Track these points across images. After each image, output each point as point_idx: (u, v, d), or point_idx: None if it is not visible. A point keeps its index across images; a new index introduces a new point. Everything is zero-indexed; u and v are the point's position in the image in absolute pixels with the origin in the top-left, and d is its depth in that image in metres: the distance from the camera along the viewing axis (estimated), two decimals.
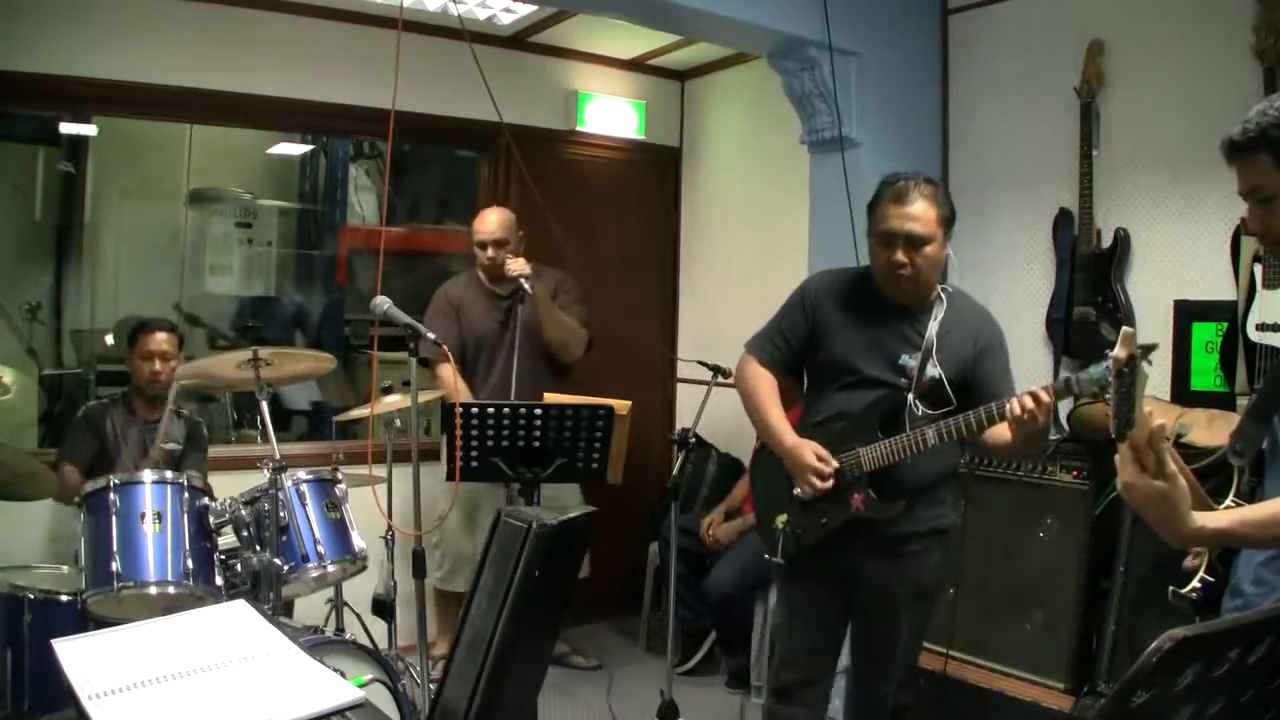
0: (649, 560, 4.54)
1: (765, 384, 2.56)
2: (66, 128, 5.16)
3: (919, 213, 2.38)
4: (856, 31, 3.50)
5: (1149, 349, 2.32)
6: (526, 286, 3.75)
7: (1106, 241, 3.26)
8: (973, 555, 3.26)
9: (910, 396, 2.41)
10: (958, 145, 3.80)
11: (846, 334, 2.49)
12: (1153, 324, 3.17)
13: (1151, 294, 3.19)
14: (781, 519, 2.53)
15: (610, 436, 2.94)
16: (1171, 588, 1.75)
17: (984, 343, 2.49)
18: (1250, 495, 1.69)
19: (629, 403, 4.07)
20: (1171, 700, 0.94)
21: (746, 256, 4.66)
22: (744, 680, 3.97)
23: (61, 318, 5.45)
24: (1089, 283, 3.26)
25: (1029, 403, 2.17)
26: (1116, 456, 1.41)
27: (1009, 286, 3.58)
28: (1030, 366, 3.48)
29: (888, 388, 2.44)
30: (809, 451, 2.44)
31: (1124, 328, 1.36)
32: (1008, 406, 2.22)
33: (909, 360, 2.43)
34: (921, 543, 2.49)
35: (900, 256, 2.38)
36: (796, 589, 2.61)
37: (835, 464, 2.42)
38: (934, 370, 2.42)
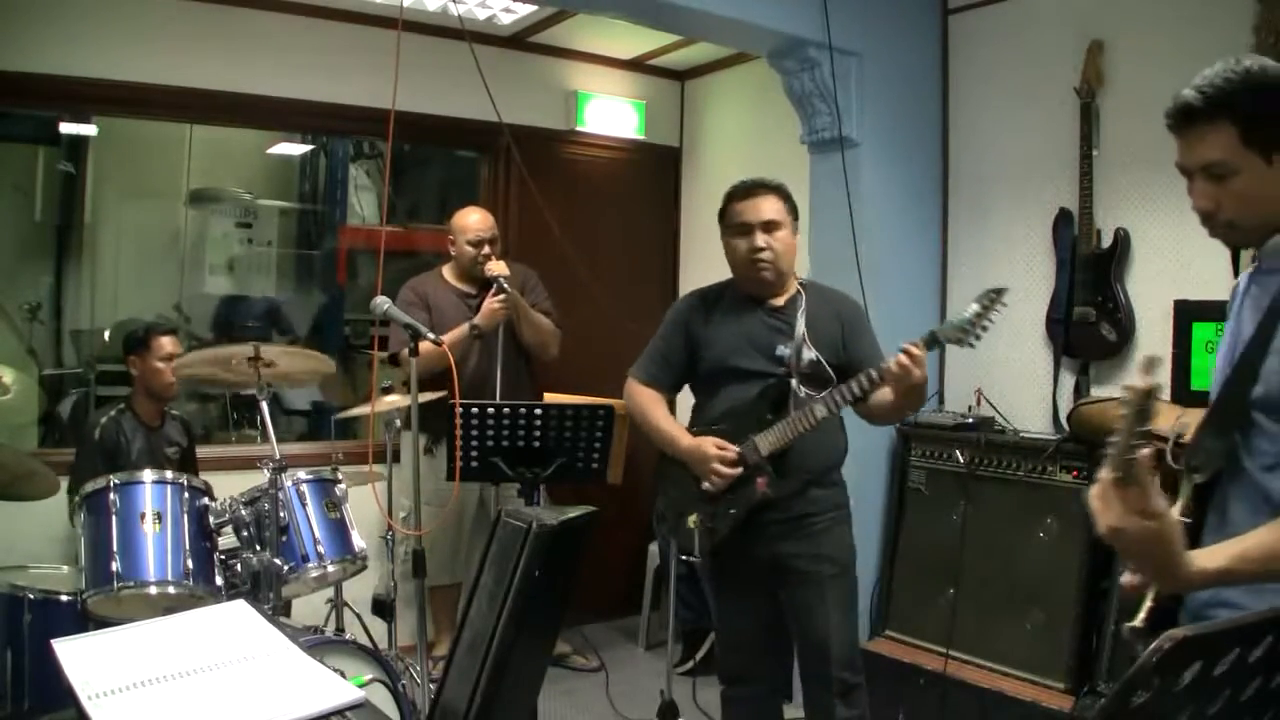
0: (649, 560, 4.53)
1: (651, 399, 2.76)
2: (66, 128, 5.17)
3: (767, 203, 2.63)
4: (856, 31, 3.50)
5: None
6: (506, 287, 3.73)
7: (1106, 241, 3.26)
8: (973, 555, 3.26)
9: (793, 381, 2.57)
10: (958, 145, 3.80)
11: (722, 338, 2.67)
12: (1153, 324, 3.17)
13: (1151, 294, 3.19)
14: (692, 519, 2.65)
15: (610, 436, 2.94)
16: (1126, 625, 1.56)
17: (847, 319, 2.70)
18: (1198, 514, 1.54)
19: None
20: (1171, 700, 0.94)
21: None
22: None
23: (61, 318, 5.45)
24: (1089, 283, 3.27)
25: (904, 359, 2.34)
26: (1091, 498, 1.27)
27: (1009, 286, 3.58)
28: (1030, 366, 3.49)
29: (770, 377, 2.60)
30: (709, 444, 2.58)
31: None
32: (885, 366, 2.39)
33: (785, 350, 2.60)
34: (826, 519, 2.63)
35: (760, 241, 2.60)
36: (723, 580, 2.76)
37: (735, 449, 2.56)
38: (810, 354, 2.59)
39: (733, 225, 2.66)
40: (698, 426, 2.71)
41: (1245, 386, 1.46)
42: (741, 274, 2.69)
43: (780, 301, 2.68)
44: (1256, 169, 1.41)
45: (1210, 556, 1.32)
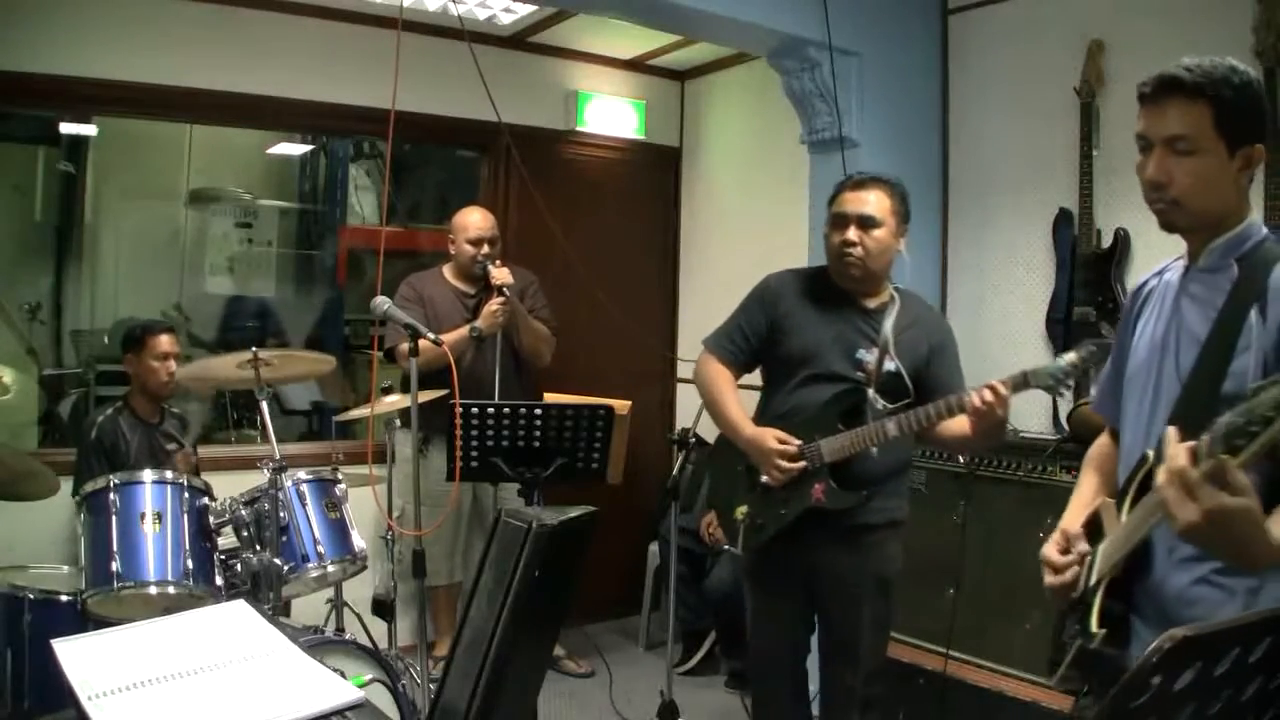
0: (649, 560, 4.53)
1: (723, 379, 2.65)
2: (66, 128, 5.17)
3: (872, 198, 2.52)
4: (856, 31, 3.50)
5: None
6: (508, 295, 3.72)
7: (1106, 241, 3.26)
8: (973, 555, 3.26)
9: (871, 391, 2.49)
10: (958, 145, 3.80)
11: (807, 328, 2.57)
12: None
13: None
14: (741, 511, 2.59)
15: (610, 436, 2.94)
16: (1088, 634, 1.45)
17: (937, 341, 2.60)
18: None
19: (629, 403, 4.08)
20: (1172, 700, 0.94)
21: (746, 256, 4.65)
22: (744, 680, 3.97)
23: (61, 318, 5.45)
24: (1089, 283, 3.26)
25: (989, 395, 2.25)
26: (1164, 490, 1.19)
27: (1009, 286, 3.58)
28: (1029, 366, 3.48)
29: (847, 382, 2.52)
30: (770, 437, 2.50)
31: None
32: (967, 399, 2.30)
33: (866, 355, 2.52)
34: (879, 534, 2.57)
35: (851, 235, 2.49)
36: (762, 580, 2.69)
37: (796, 444, 2.48)
38: (891, 364, 2.50)
39: (832, 213, 2.57)
40: (765, 419, 2.61)
41: (1215, 385, 1.44)
42: (831, 266, 2.59)
43: (872, 304, 2.59)
44: (1218, 155, 1.47)
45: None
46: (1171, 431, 1.23)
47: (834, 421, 2.49)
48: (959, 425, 2.40)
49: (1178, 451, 1.19)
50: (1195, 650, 0.93)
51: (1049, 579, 1.60)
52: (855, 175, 2.61)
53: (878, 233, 2.51)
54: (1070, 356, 2.26)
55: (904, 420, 2.40)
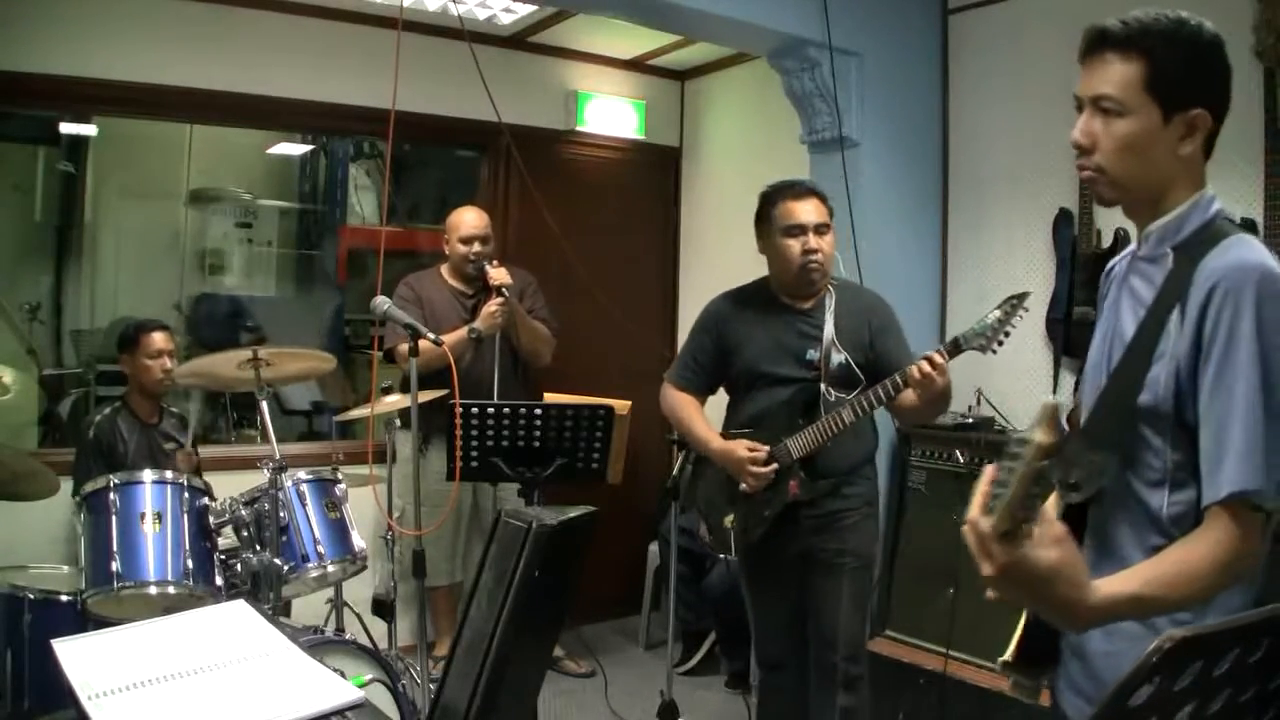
0: (649, 560, 4.53)
1: (686, 403, 2.84)
2: (66, 128, 5.17)
3: (812, 206, 2.67)
4: (856, 31, 3.51)
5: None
6: (507, 295, 3.73)
7: (1106, 241, 3.26)
8: (973, 555, 3.26)
9: (822, 385, 2.63)
10: (958, 145, 3.80)
11: (753, 342, 2.72)
12: None
13: None
14: (729, 519, 2.74)
15: (610, 436, 2.94)
16: (999, 659, 1.36)
17: (878, 323, 2.72)
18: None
19: (629, 403, 4.09)
20: (1171, 700, 0.94)
21: (746, 257, 4.62)
22: (744, 680, 3.97)
23: (61, 318, 5.45)
24: (1089, 283, 3.26)
25: (926, 366, 2.38)
26: (968, 541, 1.09)
27: (1009, 286, 3.55)
28: (1030, 366, 3.49)
29: (800, 382, 2.66)
30: (741, 448, 2.65)
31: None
32: (909, 372, 2.42)
33: (814, 354, 2.65)
34: (856, 514, 2.71)
35: (814, 243, 2.62)
36: (757, 574, 2.83)
37: (766, 449, 2.63)
38: (839, 356, 2.64)
39: (784, 225, 2.66)
40: (729, 430, 2.77)
41: (1130, 396, 1.33)
42: (789, 276, 2.68)
43: (809, 304, 2.71)
44: (1149, 120, 1.30)
45: (1117, 584, 1.16)
46: (989, 470, 1.09)
47: (795, 420, 2.63)
48: (909, 397, 2.52)
49: (976, 499, 1.09)
50: (1195, 650, 0.93)
51: (990, 593, 1.52)
52: (792, 186, 2.71)
53: (829, 236, 2.67)
54: (995, 313, 2.39)
55: (856, 404, 2.53)
